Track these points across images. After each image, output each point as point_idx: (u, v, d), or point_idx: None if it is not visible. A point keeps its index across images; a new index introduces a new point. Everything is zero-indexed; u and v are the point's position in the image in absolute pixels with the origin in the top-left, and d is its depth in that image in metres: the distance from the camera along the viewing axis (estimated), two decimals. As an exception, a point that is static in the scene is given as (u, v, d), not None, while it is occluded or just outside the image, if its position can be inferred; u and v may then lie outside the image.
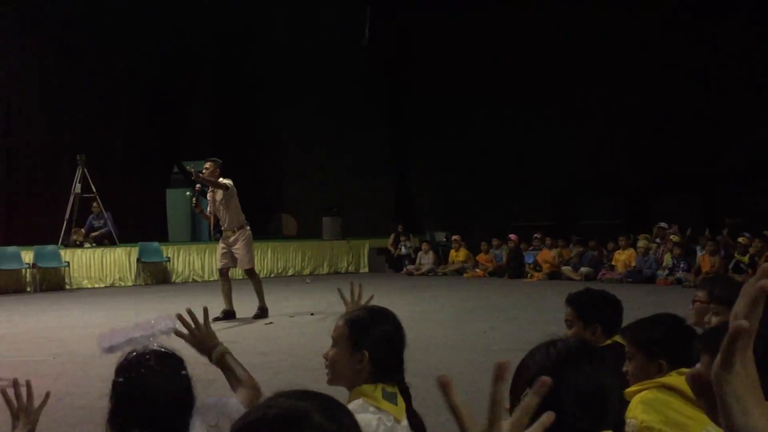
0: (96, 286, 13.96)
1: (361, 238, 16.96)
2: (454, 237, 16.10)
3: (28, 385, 2.18)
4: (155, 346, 2.15)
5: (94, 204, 14.98)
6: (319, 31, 17.68)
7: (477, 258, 15.69)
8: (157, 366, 2.08)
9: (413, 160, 19.03)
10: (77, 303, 11.69)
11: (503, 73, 16.54)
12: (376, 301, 2.78)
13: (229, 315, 9.16)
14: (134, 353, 2.11)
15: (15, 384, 2.19)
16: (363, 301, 2.82)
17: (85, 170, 14.77)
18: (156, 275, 14.59)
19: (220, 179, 9.17)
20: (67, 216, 14.67)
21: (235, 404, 2.33)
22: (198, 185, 9.39)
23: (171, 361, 2.12)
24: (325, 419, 1.10)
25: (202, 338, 2.49)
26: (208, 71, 18.66)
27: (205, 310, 2.53)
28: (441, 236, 17.25)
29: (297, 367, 6.47)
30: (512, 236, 15.18)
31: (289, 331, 8.39)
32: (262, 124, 19.58)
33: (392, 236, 16.91)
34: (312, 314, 9.65)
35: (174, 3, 16.93)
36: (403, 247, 16.60)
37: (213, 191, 9.27)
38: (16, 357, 7.06)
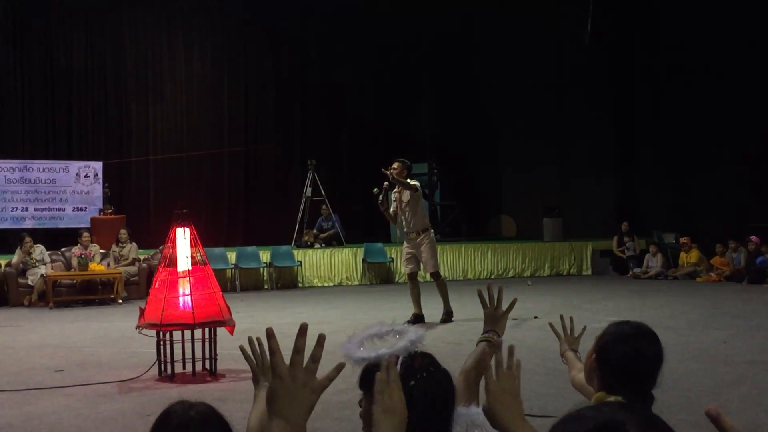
0: (325, 284, 14.66)
1: (584, 240, 16.45)
2: (684, 239, 15.16)
3: (259, 341, 2.21)
4: (416, 349, 2.18)
5: (324, 206, 15.77)
6: (538, 29, 17.40)
7: (711, 261, 14.68)
8: (431, 367, 2.12)
9: (638, 158, 18.18)
10: (309, 300, 12.34)
11: (735, 63, 15.35)
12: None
13: (418, 319, 9.10)
14: (409, 357, 2.14)
15: (250, 342, 2.28)
16: (504, 306, 2.67)
17: (315, 175, 15.59)
18: (380, 275, 15.06)
19: (408, 180, 9.22)
20: (299, 218, 15.56)
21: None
22: (386, 183, 9.31)
23: (436, 361, 2.16)
24: None
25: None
26: (429, 75, 18.96)
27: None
28: (669, 237, 16.31)
29: (527, 370, 6.37)
30: (753, 238, 14.00)
31: (512, 335, 8.28)
32: (482, 126, 19.60)
33: (616, 238, 16.26)
34: (536, 317, 9.48)
35: (394, 11, 17.40)
36: (626, 249, 15.91)
37: (400, 191, 9.22)
38: (258, 350, 7.52)
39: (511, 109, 19.09)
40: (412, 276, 9.28)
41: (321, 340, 1.38)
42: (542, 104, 18.38)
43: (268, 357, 2.33)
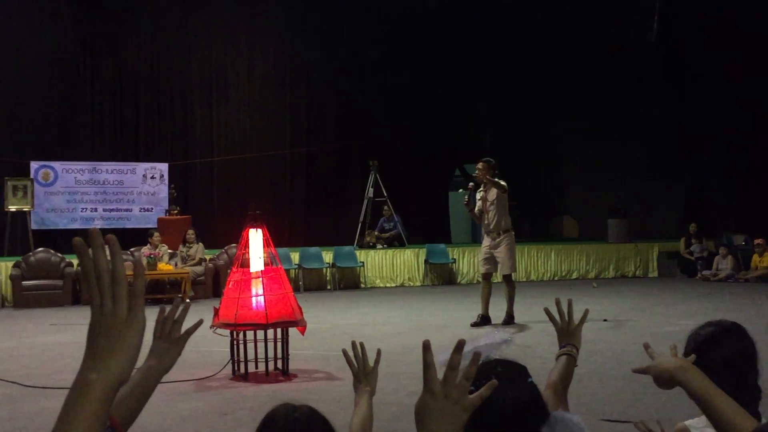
0: (387, 285, 14.67)
1: (650, 241, 16.14)
2: (758, 240, 14.75)
3: (362, 345, 2.38)
4: (497, 356, 2.16)
5: (385, 207, 15.79)
6: (599, 27, 17.14)
7: (785, 264, 14.26)
8: (506, 373, 2.08)
9: (706, 158, 17.76)
10: (372, 301, 12.37)
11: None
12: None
13: (485, 320, 9.11)
14: (481, 362, 2.12)
15: (353, 346, 2.37)
16: (576, 320, 2.57)
17: (377, 175, 15.63)
18: (442, 276, 15.01)
19: (497, 180, 9.21)
20: (361, 219, 15.62)
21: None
22: (471, 183, 9.40)
23: (516, 368, 2.12)
24: None
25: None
26: (487, 75, 18.86)
27: (378, 353, 2.54)
28: (739, 239, 15.89)
29: (596, 374, 6.28)
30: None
31: (583, 338, 8.15)
32: (542, 124, 19.40)
33: (683, 239, 15.90)
34: (605, 320, 9.33)
35: (452, 12, 17.35)
36: (696, 251, 15.55)
37: (485, 190, 9.24)
38: (325, 351, 7.57)
39: (573, 108, 18.82)
40: (487, 276, 9.26)
41: (460, 346, 1.34)
42: (605, 103, 18.07)
43: (357, 354, 2.38)
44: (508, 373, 2.07)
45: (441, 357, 2.34)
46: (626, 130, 17.94)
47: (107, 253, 0.99)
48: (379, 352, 2.42)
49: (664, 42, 15.84)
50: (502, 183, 9.07)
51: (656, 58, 16.90)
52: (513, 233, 9.25)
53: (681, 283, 14.62)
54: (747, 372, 2.18)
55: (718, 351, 2.17)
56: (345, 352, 2.35)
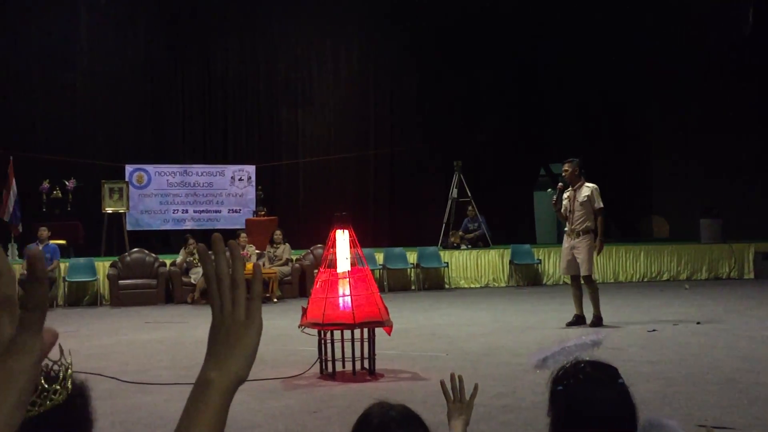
0: (472, 286, 14.61)
1: (746, 242, 15.55)
2: None
3: (460, 378, 2.37)
4: (587, 358, 2.14)
5: (469, 207, 15.72)
6: (690, 22, 16.65)
7: None
8: (594, 373, 2.05)
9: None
10: (457, 302, 12.34)
11: None
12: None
13: (579, 320, 9.01)
14: (569, 363, 2.11)
15: (452, 377, 2.38)
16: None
17: (461, 176, 15.58)
18: (528, 276, 14.84)
19: (583, 180, 9.12)
20: (445, 219, 15.60)
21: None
22: (560, 184, 9.33)
23: (606, 369, 2.09)
24: None
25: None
26: (572, 73, 18.54)
27: (476, 387, 2.48)
28: (841, 239, 15.18)
29: (690, 378, 6.09)
30: None
31: (675, 340, 7.96)
32: (630, 123, 18.95)
33: (780, 239, 15.27)
34: (698, 323, 9.05)
35: (536, 9, 17.14)
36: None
37: (574, 189, 9.12)
38: (412, 352, 7.60)
39: (661, 105, 18.35)
40: (575, 278, 9.14)
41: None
42: (697, 98, 17.54)
43: (455, 386, 2.39)
44: (597, 374, 2.04)
45: (533, 359, 2.33)
46: (721, 125, 17.35)
47: (228, 258, 1.02)
48: (476, 387, 2.43)
49: (757, 36, 15.22)
50: (601, 204, 8.99)
51: (755, 51, 16.26)
52: (593, 236, 9.09)
53: (779, 285, 14.03)
54: None
55: None
56: (443, 384, 2.36)
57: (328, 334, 6.51)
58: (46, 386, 1.22)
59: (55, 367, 1.27)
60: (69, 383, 1.28)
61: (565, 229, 9.23)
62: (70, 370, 1.29)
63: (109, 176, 15.31)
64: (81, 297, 13.08)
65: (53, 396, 1.23)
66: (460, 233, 15.56)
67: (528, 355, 2.32)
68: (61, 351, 1.28)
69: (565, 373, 2.11)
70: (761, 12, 14.79)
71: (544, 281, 14.79)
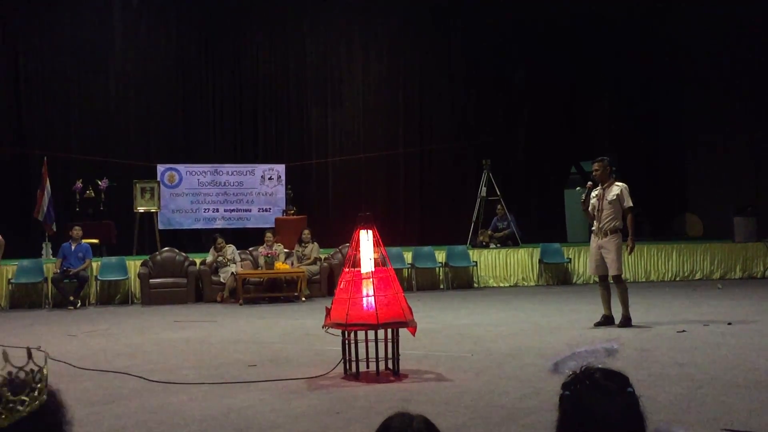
0: (501, 285, 14.54)
1: (781, 240, 15.28)
2: None
3: None
4: (601, 365, 2.11)
5: (499, 206, 15.64)
6: (726, 12, 16.38)
7: None
8: (603, 381, 2.02)
9: None
10: (485, 301, 12.27)
11: None
12: None
13: (608, 320, 8.93)
14: (581, 369, 2.09)
15: None
16: None
17: (490, 174, 15.50)
18: (557, 276, 14.73)
19: (613, 179, 9.03)
20: (474, 218, 15.53)
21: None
22: (590, 183, 9.25)
23: (616, 377, 2.06)
24: None
25: None
26: (605, 69, 18.34)
27: None
28: None
29: (719, 381, 5.99)
30: None
31: (705, 341, 7.84)
32: (664, 119, 18.70)
33: (817, 238, 14.98)
34: (729, 323, 8.90)
35: (566, 7, 17.00)
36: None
37: (604, 188, 9.02)
38: (438, 352, 7.58)
39: (695, 103, 18.08)
40: (603, 278, 9.05)
41: None
42: (731, 94, 17.25)
43: None
44: (606, 382, 2.01)
45: (549, 363, 2.30)
46: (756, 121, 17.06)
47: None
48: None
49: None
50: (631, 203, 8.89)
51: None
52: (621, 235, 8.99)
53: (815, 284, 13.77)
54: None
55: None
56: None
57: (352, 335, 6.51)
58: (12, 397, 1.18)
59: (21, 374, 1.23)
60: (41, 393, 1.24)
61: (593, 228, 9.13)
62: (42, 381, 1.25)
63: (140, 176, 15.48)
64: (113, 296, 13.25)
65: (20, 407, 1.19)
66: (489, 232, 15.48)
67: (545, 360, 2.30)
68: (29, 356, 1.25)
69: (574, 379, 2.09)
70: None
71: (574, 280, 14.66)
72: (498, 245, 15.19)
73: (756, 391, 5.52)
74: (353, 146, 17.79)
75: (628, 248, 9.11)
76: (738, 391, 5.65)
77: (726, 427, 4.76)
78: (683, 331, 8.46)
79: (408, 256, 14.21)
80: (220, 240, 13.48)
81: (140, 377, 6.54)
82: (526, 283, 14.60)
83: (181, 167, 16.20)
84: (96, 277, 13.01)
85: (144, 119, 16.78)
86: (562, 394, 2.06)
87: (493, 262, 14.67)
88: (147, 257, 13.51)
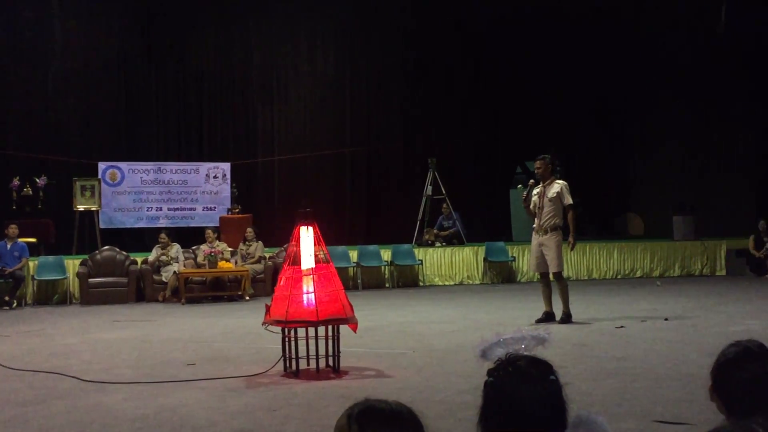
0: (446, 283, 14.60)
1: (718, 239, 15.65)
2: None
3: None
4: (527, 353, 2.11)
5: (444, 205, 15.71)
6: (668, 18, 16.72)
7: None
8: (526, 368, 2.02)
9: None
10: (430, 299, 12.32)
11: None
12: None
13: (549, 317, 9.02)
14: (507, 356, 2.09)
15: None
16: None
17: (436, 173, 15.56)
18: (502, 274, 14.85)
19: (554, 177, 9.12)
20: (419, 217, 15.58)
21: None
22: (531, 180, 9.31)
23: (540, 365, 2.06)
24: None
25: None
26: (551, 70, 18.56)
27: None
28: (813, 237, 15.30)
29: (653, 374, 6.10)
30: None
31: (642, 336, 7.98)
32: (608, 121, 19.01)
33: (752, 237, 15.35)
34: (666, 319, 9.08)
35: (513, 5, 17.16)
36: (767, 249, 14.99)
37: (545, 186, 9.11)
38: (380, 349, 7.57)
39: (638, 103, 18.42)
40: (544, 275, 9.14)
41: None
42: (673, 97, 17.62)
43: None
44: (529, 369, 2.01)
45: (476, 350, 2.29)
46: (695, 122, 17.46)
47: None
48: None
49: (733, 31, 15.28)
50: (571, 201, 8.98)
51: (727, 48, 16.35)
52: (561, 232, 9.09)
53: (750, 282, 14.14)
54: (765, 396, 2.12)
55: (738, 373, 2.14)
56: None
57: (292, 332, 6.46)
58: None
59: None
60: None
61: (533, 226, 9.22)
62: None
63: (81, 174, 15.14)
64: (51, 296, 12.93)
65: None
66: (435, 231, 15.54)
67: (472, 347, 2.29)
68: None
69: (499, 366, 2.09)
70: (735, 10, 14.85)
71: (518, 278, 14.81)
72: (443, 244, 15.26)
73: (687, 384, 5.63)
74: (299, 144, 17.68)
75: (570, 245, 9.21)
76: (670, 383, 5.76)
77: (657, 419, 4.84)
78: (622, 327, 8.59)
79: (353, 255, 14.18)
80: (163, 236, 13.29)
81: (74, 377, 6.38)
82: (471, 282, 14.70)
83: (123, 165, 15.90)
84: (33, 276, 12.68)
85: (85, 116, 16.42)
86: (487, 381, 2.05)
87: (439, 261, 14.73)
88: (86, 256, 13.22)
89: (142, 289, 12.91)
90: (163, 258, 13.00)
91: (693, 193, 17.08)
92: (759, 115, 17.14)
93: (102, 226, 15.11)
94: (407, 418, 1.68)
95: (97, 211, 14.94)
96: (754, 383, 2.11)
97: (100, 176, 15.37)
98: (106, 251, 13.24)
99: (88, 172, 15.30)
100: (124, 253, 13.28)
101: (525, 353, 2.11)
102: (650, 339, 7.78)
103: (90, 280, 12.65)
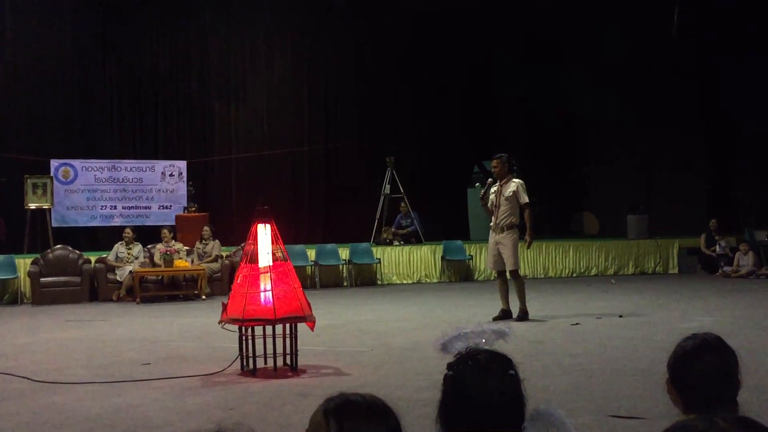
0: (404, 282, 14.62)
1: (670, 237, 15.94)
2: (780, 236, 14.53)
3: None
4: (488, 347, 2.12)
5: (402, 204, 15.73)
6: (624, 21, 16.96)
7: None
8: (485, 362, 2.03)
9: (730, 153, 17.50)
10: (388, 298, 12.32)
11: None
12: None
13: (506, 314, 9.10)
14: (466, 350, 2.09)
15: None
16: None
17: (394, 172, 15.57)
18: (460, 272, 14.92)
19: (511, 176, 9.20)
20: (377, 215, 15.57)
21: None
22: (490, 179, 9.39)
23: (500, 359, 2.07)
24: None
25: None
26: (509, 69, 18.71)
27: None
28: (761, 235, 15.68)
29: (607, 370, 6.19)
30: None
31: (597, 333, 8.09)
32: (566, 121, 19.22)
33: (704, 236, 15.68)
34: (620, 316, 9.22)
35: (479, 8, 17.24)
36: (717, 247, 15.33)
37: (501, 185, 9.18)
38: (338, 347, 7.55)
39: (594, 103, 18.65)
40: (501, 273, 9.21)
41: None
42: (628, 98, 17.88)
43: None
44: (488, 363, 2.02)
45: (436, 344, 2.29)
46: (649, 124, 17.73)
47: None
48: None
49: (685, 35, 15.56)
50: (527, 200, 9.04)
51: (680, 51, 16.66)
52: (518, 231, 9.16)
53: (701, 279, 14.43)
54: (723, 387, 2.17)
55: (695, 365, 2.17)
56: None
57: (249, 330, 6.41)
58: None
59: None
60: None
61: (490, 224, 9.28)
62: None
63: (32, 171, 14.81)
64: (1, 296, 12.65)
65: None
66: (393, 229, 15.55)
67: (433, 341, 2.29)
68: None
69: (458, 360, 2.09)
70: (687, 13, 15.11)
71: (476, 277, 14.89)
72: (401, 242, 15.28)
73: (641, 379, 5.72)
74: (257, 143, 17.54)
75: (527, 243, 9.29)
76: (625, 379, 5.84)
77: (613, 413, 4.90)
78: (577, 324, 8.70)
79: (311, 254, 14.12)
80: (128, 231, 13.13)
81: (24, 377, 6.25)
82: (428, 280, 14.74)
83: (76, 162, 15.61)
84: (-18, 276, 12.39)
85: (37, 112, 16.06)
86: (446, 374, 2.05)
87: (397, 259, 14.74)
88: (38, 255, 12.95)
89: (96, 289, 12.69)
90: (125, 255, 12.83)
91: (647, 193, 17.36)
92: (710, 115, 17.48)
93: (54, 224, 14.81)
94: (383, 411, 1.67)
95: (50, 210, 14.65)
96: (711, 375, 2.14)
97: (52, 174, 15.06)
98: (59, 250, 12.99)
99: (39, 170, 14.98)
100: (77, 252, 13.04)
101: (485, 347, 2.12)
102: (605, 336, 7.89)
103: (42, 279, 12.39)
